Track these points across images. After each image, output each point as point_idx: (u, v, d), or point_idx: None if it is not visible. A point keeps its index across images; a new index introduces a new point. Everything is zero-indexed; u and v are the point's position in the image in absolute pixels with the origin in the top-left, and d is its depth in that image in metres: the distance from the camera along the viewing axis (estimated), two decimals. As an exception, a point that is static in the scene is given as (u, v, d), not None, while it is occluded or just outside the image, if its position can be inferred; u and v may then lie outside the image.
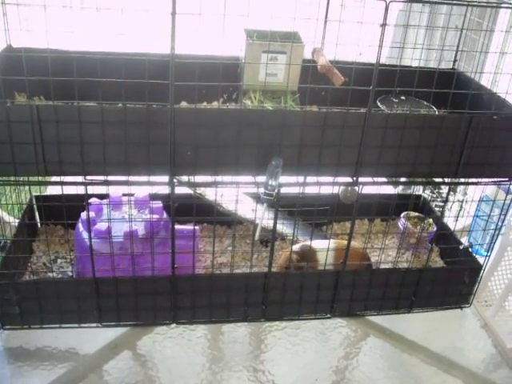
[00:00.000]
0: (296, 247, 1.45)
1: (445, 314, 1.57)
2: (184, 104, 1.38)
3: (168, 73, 1.09)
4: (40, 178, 1.22)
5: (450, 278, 1.53)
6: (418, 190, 2.01)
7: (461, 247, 1.60)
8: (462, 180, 1.38)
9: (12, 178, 1.19)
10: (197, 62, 1.15)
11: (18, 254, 1.42)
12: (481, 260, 1.56)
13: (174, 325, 1.42)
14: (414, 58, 1.53)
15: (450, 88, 1.30)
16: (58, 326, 1.37)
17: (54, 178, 1.24)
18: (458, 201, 2.30)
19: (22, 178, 1.21)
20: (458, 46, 1.59)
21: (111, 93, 1.12)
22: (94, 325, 1.38)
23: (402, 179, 1.53)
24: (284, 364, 1.34)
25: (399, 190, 2.06)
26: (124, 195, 1.52)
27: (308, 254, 1.42)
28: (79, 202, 1.31)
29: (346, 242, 1.39)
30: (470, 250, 1.61)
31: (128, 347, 1.35)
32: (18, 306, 1.31)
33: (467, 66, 1.70)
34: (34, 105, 1.09)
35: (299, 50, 1.34)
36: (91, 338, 1.37)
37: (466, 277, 1.53)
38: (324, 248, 1.40)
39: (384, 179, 1.35)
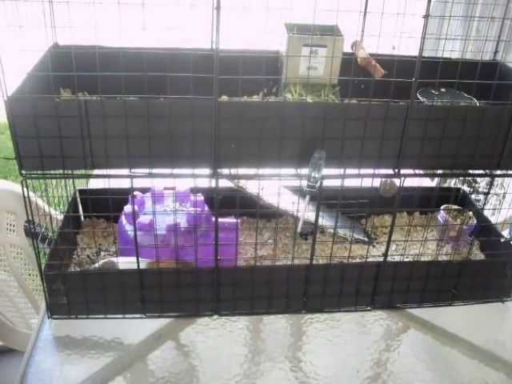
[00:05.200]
0: (100, 263, 1.38)
1: (486, 308, 1.55)
2: (225, 98, 1.39)
3: (204, 67, 1.11)
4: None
5: (491, 271, 1.51)
6: (456, 184, 1.99)
7: (502, 240, 1.58)
8: (505, 172, 1.36)
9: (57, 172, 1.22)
10: (239, 55, 1.17)
11: (64, 246, 1.46)
12: (523, 253, 1.54)
13: (216, 316, 1.44)
14: (452, 50, 1.52)
15: (491, 79, 1.28)
16: (103, 316, 1.40)
17: (97, 172, 1.26)
18: (497, 194, 2.27)
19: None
20: (499, 37, 1.57)
21: (152, 87, 1.14)
22: (138, 316, 1.41)
23: (439, 171, 1.53)
24: (325, 355, 1.35)
25: (437, 182, 2.05)
26: (165, 189, 1.54)
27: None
28: (123, 195, 1.34)
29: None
30: (512, 242, 1.60)
31: (171, 337, 1.37)
32: (66, 296, 1.35)
33: (508, 57, 1.67)
34: (82, 100, 1.12)
35: (339, 43, 1.34)
36: (135, 328, 1.39)
37: (508, 270, 1.52)
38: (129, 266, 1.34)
39: (425, 171, 1.35)
